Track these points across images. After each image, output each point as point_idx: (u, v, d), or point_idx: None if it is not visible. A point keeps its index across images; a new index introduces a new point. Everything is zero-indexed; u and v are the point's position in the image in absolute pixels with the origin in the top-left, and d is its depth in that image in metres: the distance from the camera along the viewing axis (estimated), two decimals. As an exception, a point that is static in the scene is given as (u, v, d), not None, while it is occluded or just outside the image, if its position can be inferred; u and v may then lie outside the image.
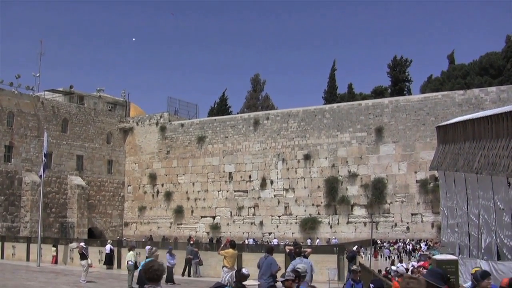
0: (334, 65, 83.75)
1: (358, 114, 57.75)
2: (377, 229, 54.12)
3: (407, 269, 25.92)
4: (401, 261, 38.08)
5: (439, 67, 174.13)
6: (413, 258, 43.29)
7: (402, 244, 51.43)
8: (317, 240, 53.97)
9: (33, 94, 62.49)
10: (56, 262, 40.11)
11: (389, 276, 27.50)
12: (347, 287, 14.51)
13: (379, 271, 24.56)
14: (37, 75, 65.78)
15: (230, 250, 21.11)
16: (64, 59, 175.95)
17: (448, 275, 11.58)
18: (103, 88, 75.63)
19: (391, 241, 52.71)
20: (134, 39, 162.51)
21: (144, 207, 69.69)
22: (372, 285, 10.19)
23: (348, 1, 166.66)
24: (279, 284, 14.49)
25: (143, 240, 55.04)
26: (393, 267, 18.37)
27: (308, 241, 52.91)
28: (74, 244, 28.69)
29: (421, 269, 15.91)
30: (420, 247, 48.50)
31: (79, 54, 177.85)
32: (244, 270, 13.16)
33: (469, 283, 13.50)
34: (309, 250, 18.21)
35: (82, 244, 30.12)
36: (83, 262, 28.04)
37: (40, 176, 42.27)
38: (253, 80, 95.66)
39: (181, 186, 67.41)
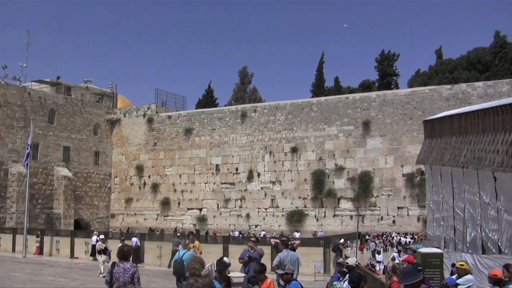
0: (323, 57, 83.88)
1: (345, 107, 57.87)
2: (363, 222, 54.32)
3: (371, 264, 26.11)
4: (378, 253, 38.45)
5: (427, 62, 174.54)
6: (395, 250, 43.69)
7: (384, 239, 51.72)
8: (298, 234, 53.42)
9: (20, 85, 62.07)
10: (39, 253, 40.02)
11: (372, 269, 27.77)
12: (334, 280, 14.55)
13: (366, 265, 24.72)
14: (24, 65, 65.29)
15: (197, 243, 20.66)
16: (51, 49, 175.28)
17: (419, 268, 11.69)
18: (90, 79, 75.23)
19: (373, 234, 52.79)
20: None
21: (131, 199, 69.60)
22: (348, 279, 10.20)
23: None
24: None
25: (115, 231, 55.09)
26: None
27: (295, 234, 52.94)
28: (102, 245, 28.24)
29: (405, 264, 15.95)
30: (399, 241, 48.75)
31: (66, 44, 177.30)
32: (225, 259, 13.18)
33: (455, 276, 13.63)
34: (297, 242, 18.24)
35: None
36: (103, 257, 27.73)
37: (26, 165, 42.23)
38: (241, 72, 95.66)
39: (168, 178, 67.36)
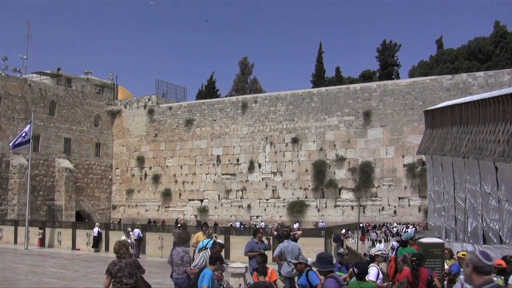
0: (321, 47, 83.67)
1: (346, 97, 57.81)
2: (364, 212, 54.37)
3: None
4: (380, 242, 38.60)
5: (428, 52, 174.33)
6: (395, 239, 43.88)
7: (378, 229, 51.74)
8: (296, 224, 53.01)
9: (21, 77, 62.03)
10: (41, 245, 40.04)
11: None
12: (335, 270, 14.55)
13: (364, 254, 24.80)
14: (25, 57, 65.17)
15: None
16: (51, 41, 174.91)
17: (413, 258, 11.85)
18: (91, 71, 75.11)
19: (368, 224, 52.59)
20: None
21: (132, 190, 69.68)
22: (356, 270, 10.28)
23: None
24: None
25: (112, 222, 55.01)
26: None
27: (295, 224, 52.93)
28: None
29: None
30: (397, 232, 48.83)
31: (66, 36, 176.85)
32: (219, 241, 13.45)
33: (457, 266, 13.64)
34: (299, 232, 18.24)
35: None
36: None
37: (12, 147, 41.72)
38: (241, 63, 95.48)
39: (169, 169, 67.39)
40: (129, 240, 25.19)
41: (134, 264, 10.01)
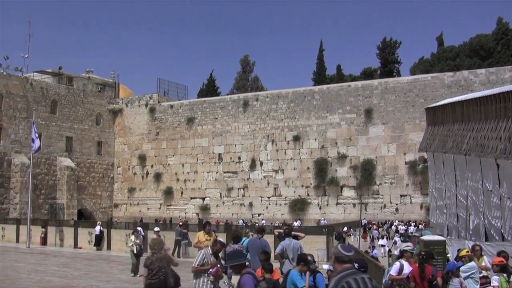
0: (322, 45, 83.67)
1: (347, 95, 57.78)
2: (366, 210, 54.33)
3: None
4: (382, 238, 38.73)
5: (428, 49, 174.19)
6: (397, 235, 43.96)
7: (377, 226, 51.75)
8: (296, 223, 52.66)
9: (22, 75, 62.02)
10: (43, 244, 40.02)
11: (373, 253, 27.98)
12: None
13: (366, 251, 24.89)
14: (26, 56, 65.23)
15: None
16: (53, 40, 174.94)
17: (422, 253, 11.92)
18: (92, 69, 75.14)
19: (372, 222, 52.69)
20: None
21: (134, 188, 69.68)
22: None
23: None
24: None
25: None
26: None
27: (295, 222, 52.81)
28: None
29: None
30: (397, 230, 48.83)
31: (68, 35, 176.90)
32: (220, 239, 13.46)
33: (452, 264, 13.62)
34: (302, 235, 18.20)
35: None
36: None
37: (35, 152, 41.70)
38: (242, 61, 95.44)
39: (171, 167, 67.38)
40: (137, 240, 24.88)
41: (164, 258, 11.33)
